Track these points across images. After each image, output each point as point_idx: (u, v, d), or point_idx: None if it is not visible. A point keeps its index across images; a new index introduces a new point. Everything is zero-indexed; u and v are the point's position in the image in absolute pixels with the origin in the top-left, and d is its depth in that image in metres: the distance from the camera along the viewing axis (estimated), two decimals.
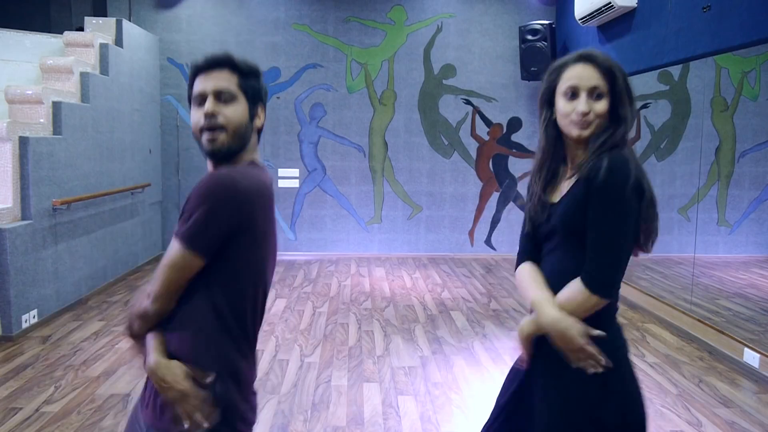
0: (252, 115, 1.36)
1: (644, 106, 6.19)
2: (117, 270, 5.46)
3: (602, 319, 1.36)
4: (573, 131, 1.41)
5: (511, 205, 6.93)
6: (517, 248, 1.62)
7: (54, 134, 4.47)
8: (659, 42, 4.32)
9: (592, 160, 1.35)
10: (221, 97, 1.32)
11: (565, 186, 1.45)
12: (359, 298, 5.08)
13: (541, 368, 1.44)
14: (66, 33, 5.33)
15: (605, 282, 1.29)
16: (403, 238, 6.93)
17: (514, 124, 6.84)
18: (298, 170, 6.79)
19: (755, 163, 5.91)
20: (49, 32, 5.75)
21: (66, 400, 3.01)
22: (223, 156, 1.33)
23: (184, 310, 1.30)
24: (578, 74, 1.41)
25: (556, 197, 1.47)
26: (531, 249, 1.57)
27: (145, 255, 6.19)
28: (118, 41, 5.66)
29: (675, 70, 5.87)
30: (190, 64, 1.47)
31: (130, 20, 6.37)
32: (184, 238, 1.32)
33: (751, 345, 3.51)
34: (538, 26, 6.12)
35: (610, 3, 4.72)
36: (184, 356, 1.27)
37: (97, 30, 5.60)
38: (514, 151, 6.87)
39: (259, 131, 1.41)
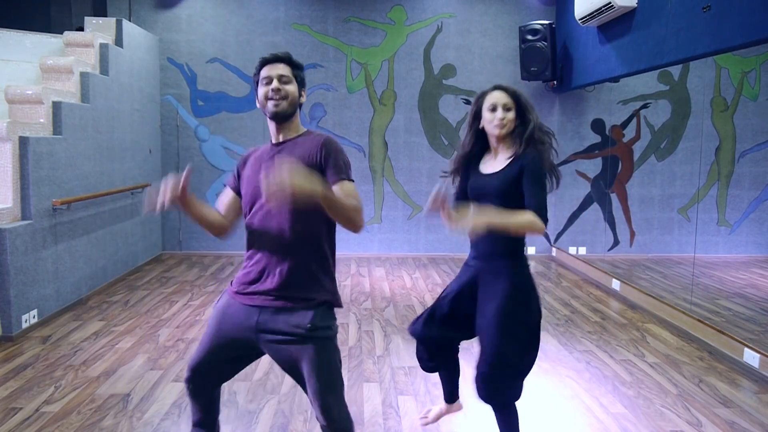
0: (299, 93, 1.97)
1: (644, 106, 6.19)
2: (117, 270, 5.47)
3: (519, 245, 2.25)
4: (495, 131, 2.24)
5: None
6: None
7: (54, 134, 4.47)
8: (659, 42, 4.32)
9: (524, 150, 2.19)
10: (282, 79, 1.91)
11: (496, 165, 2.25)
12: (359, 298, 5.08)
13: (491, 279, 2.21)
14: (66, 33, 5.33)
15: (546, 216, 2.09)
16: (403, 238, 6.93)
17: None
18: None
19: (755, 163, 5.91)
20: (49, 32, 5.75)
21: (66, 400, 3.02)
22: (281, 117, 1.93)
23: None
24: (496, 97, 2.26)
25: (488, 170, 2.26)
26: (464, 200, 2.34)
27: (145, 255, 6.19)
28: (118, 41, 5.66)
29: (675, 70, 5.88)
30: (256, 64, 1.98)
31: (130, 20, 6.38)
32: (350, 178, 1.93)
33: (751, 345, 3.51)
34: (538, 26, 6.12)
35: (610, 3, 4.71)
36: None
37: (97, 30, 5.61)
38: None
39: (300, 105, 2.00)
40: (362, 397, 3.11)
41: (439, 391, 3.19)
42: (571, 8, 5.83)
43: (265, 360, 3.61)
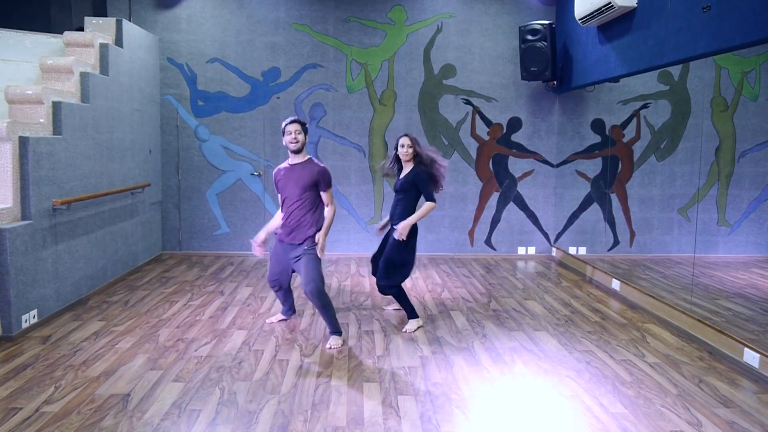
0: (305, 138, 3.92)
1: (644, 106, 6.19)
2: (117, 270, 5.47)
3: (410, 215, 4.21)
4: (403, 158, 4.23)
5: (511, 205, 6.94)
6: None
7: (54, 134, 4.47)
8: (659, 42, 4.32)
9: (415, 168, 4.20)
10: (297, 132, 3.88)
11: (403, 173, 4.27)
12: (359, 298, 5.08)
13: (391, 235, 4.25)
14: (66, 33, 5.33)
15: (433, 198, 4.13)
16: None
17: (514, 124, 6.84)
18: None
19: (755, 163, 5.91)
20: (49, 32, 5.75)
21: (66, 400, 3.02)
22: (297, 151, 3.90)
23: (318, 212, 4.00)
24: (402, 140, 4.22)
25: (401, 176, 4.27)
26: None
27: (145, 255, 6.19)
28: (118, 41, 5.66)
29: (675, 70, 5.87)
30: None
31: (130, 20, 6.38)
32: (330, 186, 3.97)
33: (751, 345, 3.51)
34: (538, 26, 6.12)
35: (610, 3, 4.71)
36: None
37: (97, 30, 5.61)
38: (514, 151, 6.87)
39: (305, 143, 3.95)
40: (362, 397, 3.11)
41: (439, 391, 3.20)
42: (571, 8, 5.83)
43: (265, 360, 3.61)
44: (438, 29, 6.73)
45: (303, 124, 3.87)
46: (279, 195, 3.99)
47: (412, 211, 4.17)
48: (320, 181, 3.84)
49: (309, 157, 3.93)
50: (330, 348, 3.83)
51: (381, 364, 3.59)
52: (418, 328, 4.26)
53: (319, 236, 3.89)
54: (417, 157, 4.20)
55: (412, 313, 4.28)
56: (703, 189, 6.03)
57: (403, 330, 4.21)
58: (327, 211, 3.92)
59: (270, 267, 4.11)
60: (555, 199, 6.94)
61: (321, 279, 3.85)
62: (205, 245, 6.84)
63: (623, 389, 3.24)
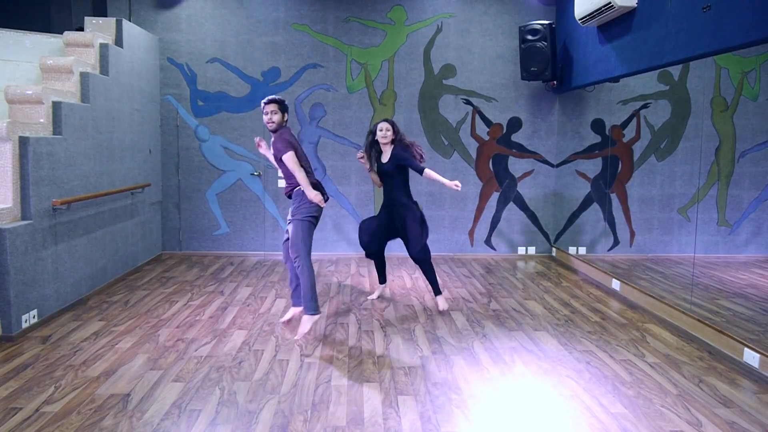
0: (283, 117, 4.09)
1: (644, 106, 6.19)
2: (117, 270, 5.47)
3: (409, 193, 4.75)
4: (382, 141, 4.61)
5: (511, 205, 6.94)
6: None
7: (54, 134, 4.47)
8: (659, 42, 4.32)
9: (395, 149, 4.59)
10: (272, 112, 4.05)
11: (385, 157, 4.65)
12: (359, 298, 5.08)
13: (402, 209, 4.67)
14: (66, 33, 5.33)
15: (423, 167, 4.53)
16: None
17: (514, 124, 6.84)
18: None
19: (755, 163, 5.90)
20: (49, 32, 5.75)
21: (66, 400, 3.02)
22: (274, 131, 4.08)
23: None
24: (382, 125, 4.61)
25: (384, 160, 4.65)
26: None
27: (145, 255, 6.19)
28: (118, 41, 5.66)
29: (675, 70, 5.87)
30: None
31: (130, 20, 6.38)
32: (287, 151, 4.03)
33: (751, 345, 3.51)
34: (538, 26, 6.12)
35: (610, 3, 4.71)
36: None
37: (97, 30, 5.60)
38: (514, 151, 6.87)
39: (285, 122, 4.12)
40: (362, 397, 3.11)
41: (439, 391, 3.20)
42: (571, 8, 5.83)
43: (265, 360, 3.61)
44: (438, 29, 6.73)
45: (280, 103, 4.00)
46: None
47: (407, 186, 4.65)
48: (278, 150, 3.98)
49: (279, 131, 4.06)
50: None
51: (381, 364, 3.59)
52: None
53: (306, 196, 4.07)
54: (395, 139, 4.61)
55: (437, 289, 4.75)
56: (703, 189, 6.03)
57: (440, 310, 4.68)
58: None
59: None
60: (555, 199, 6.94)
61: (304, 243, 4.06)
62: (205, 245, 6.84)
63: (623, 389, 3.24)
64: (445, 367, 3.53)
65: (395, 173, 4.57)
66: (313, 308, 4.00)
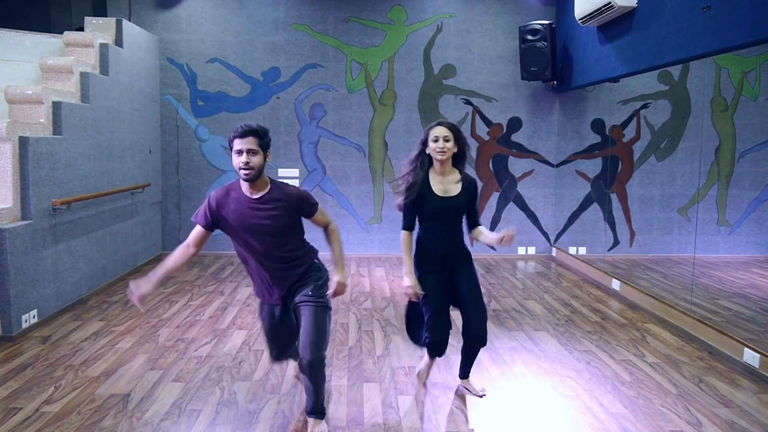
0: (264, 158, 2.56)
1: (644, 106, 6.19)
2: (117, 270, 5.47)
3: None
4: (437, 157, 2.88)
5: (511, 205, 6.93)
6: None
7: (54, 134, 4.46)
8: (659, 42, 4.32)
9: (463, 177, 2.98)
10: (250, 153, 2.51)
11: (447, 188, 2.96)
12: (359, 298, 5.08)
13: (461, 268, 3.03)
14: (66, 33, 5.33)
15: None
16: (395, 239, 6.91)
17: (514, 124, 6.84)
18: (298, 170, 6.79)
19: (755, 163, 5.91)
20: (49, 32, 5.75)
21: (66, 400, 3.01)
22: (251, 180, 2.55)
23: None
24: (438, 130, 2.88)
25: (444, 193, 2.94)
26: (412, 223, 3.02)
27: (145, 255, 6.19)
28: (118, 41, 5.66)
29: (675, 70, 5.87)
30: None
31: (130, 20, 6.37)
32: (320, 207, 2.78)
33: (751, 345, 3.51)
34: (538, 26, 6.12)
35: (610, 3, 4.71)
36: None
37: (97, 30, 5.60)
38: (514, 151, 6.87)
39: (265, 164, 2.60)
40: (362, 397, 3.11)
41: (439, 391, 3.19)
42: (571, 8, 5.83)
43: (265, 360, 3.61)
44: (438, 29, 6.73)
45: (263, 136, 2.55)
46: (197, 235, 2.81)
47: (463, 231, 3.06)
48: (304, 207, 2.70)
49: (270, 180, 2.66)
50: None
51: (381, 364, 3.59)
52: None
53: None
54: (460, 156, 2.95)
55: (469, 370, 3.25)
56: (703, 189, 6.03)
57: (480, 392, 3.17)
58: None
59: None
60: (555, 199, 6.94)
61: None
62: (204, 245, 6.83)
63: (623, 389, 3.24)
64: (445, 367, 3.52)
65: (457, 218, 2.99)
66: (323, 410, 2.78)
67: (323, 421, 2.72)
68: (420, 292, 2.97)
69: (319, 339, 2.60)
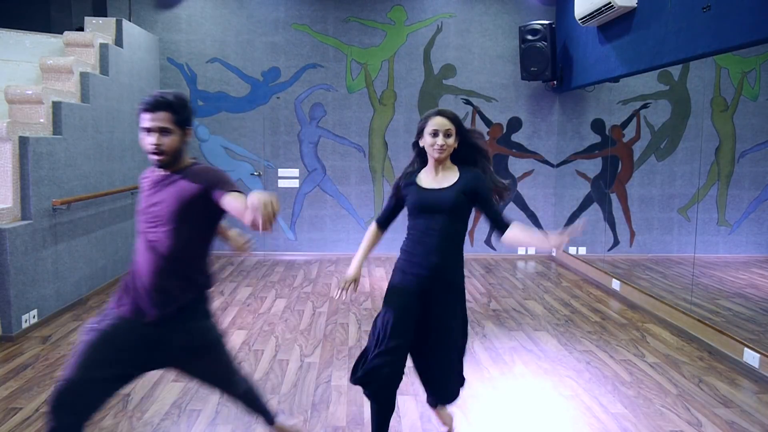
0: (183, 137, 2.02)
1: (644, 106, 6.19)
2: (117, 270, 5.47)
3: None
4: (434, 155, 2.32)
5: (511, 205, 6.93)
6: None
7: (54, 134, 4.46)
8: (659, 42, 4.32)
9: (468, 170, 2.35)
10: (162, 131, 1.94)
11: (439, 182, 2.35)
12: (359, 298, 5.08)
13: (451, 292, 2.37)
14: (66, 33, 5.33)
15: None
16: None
17: (514, 124, 6.84)
18: (298, 170, 6.79)
19: (755, 163, 5.91)
20: (49, 32, 5.75)
21: None
22: (165, 166, 2.01)
23: None
24: (438, 122, 2.29)
25: (434, 186, 2.35)
26: (387, 217, 2.73)
27: None
28: (118, 41, 5.66)
29: (675, 70, 5.87)
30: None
31: (130, 20, 6.37)
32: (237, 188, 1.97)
33: (751, 345, 3.51)
34: (538, 26, 6.12)
35: (610, 3, 4.71)
36: None
37: (97, 30, 5.60)
38: (514, 151, 6.87)
39: (186, 144, 2.05)
40: (362, 397, 3.10)
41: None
42: (571, 8, 5.83)
43: (265, 360, 3.60)
44: (438, 29, 6.73)
45: (178, 111, 2.02)
46: None
47: (460, 248, 2.40)
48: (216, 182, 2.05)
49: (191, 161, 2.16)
50: None
51: None
52: None
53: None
54: (466, 149, 2.36)
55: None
56: (703, 189, 6.03)
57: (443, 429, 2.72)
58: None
59: None
60: (555, 199, 6.93)
61: None
62: None
63: (623, 389, 3.24)
64: None
65: (452, 215, 2.32)
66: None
67: None
68: (351, 282, 2.58)
69: None
